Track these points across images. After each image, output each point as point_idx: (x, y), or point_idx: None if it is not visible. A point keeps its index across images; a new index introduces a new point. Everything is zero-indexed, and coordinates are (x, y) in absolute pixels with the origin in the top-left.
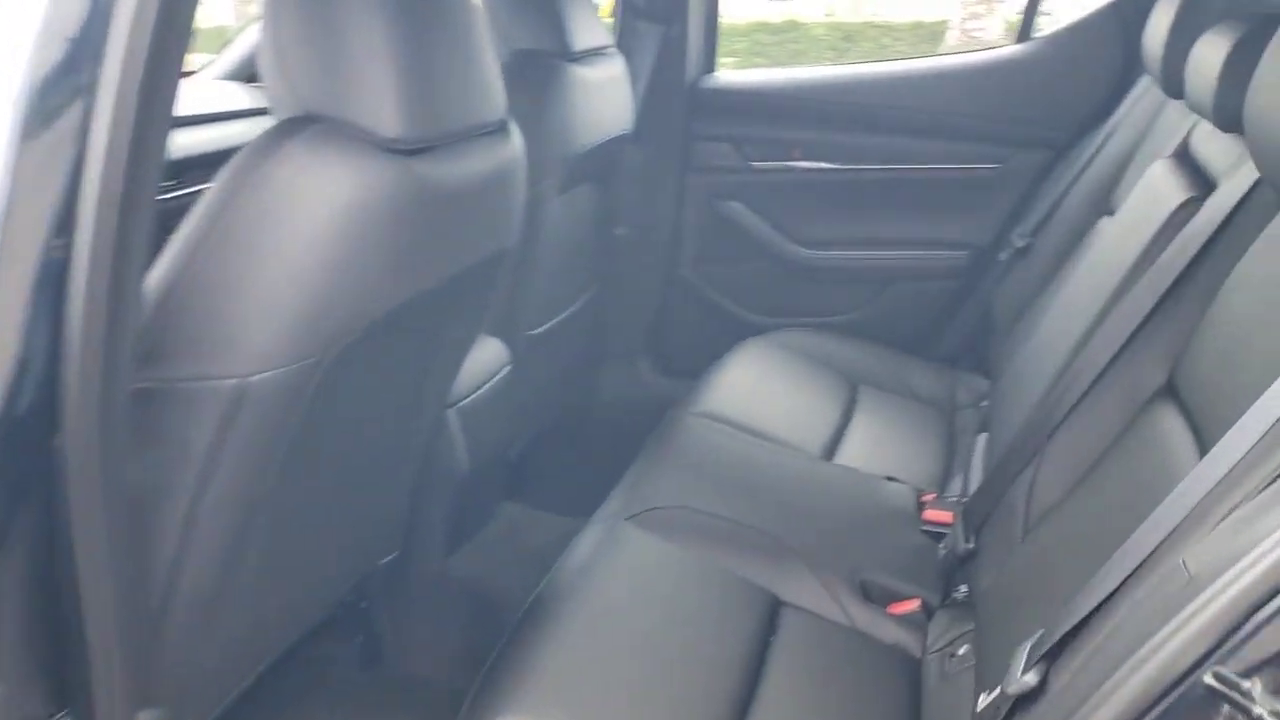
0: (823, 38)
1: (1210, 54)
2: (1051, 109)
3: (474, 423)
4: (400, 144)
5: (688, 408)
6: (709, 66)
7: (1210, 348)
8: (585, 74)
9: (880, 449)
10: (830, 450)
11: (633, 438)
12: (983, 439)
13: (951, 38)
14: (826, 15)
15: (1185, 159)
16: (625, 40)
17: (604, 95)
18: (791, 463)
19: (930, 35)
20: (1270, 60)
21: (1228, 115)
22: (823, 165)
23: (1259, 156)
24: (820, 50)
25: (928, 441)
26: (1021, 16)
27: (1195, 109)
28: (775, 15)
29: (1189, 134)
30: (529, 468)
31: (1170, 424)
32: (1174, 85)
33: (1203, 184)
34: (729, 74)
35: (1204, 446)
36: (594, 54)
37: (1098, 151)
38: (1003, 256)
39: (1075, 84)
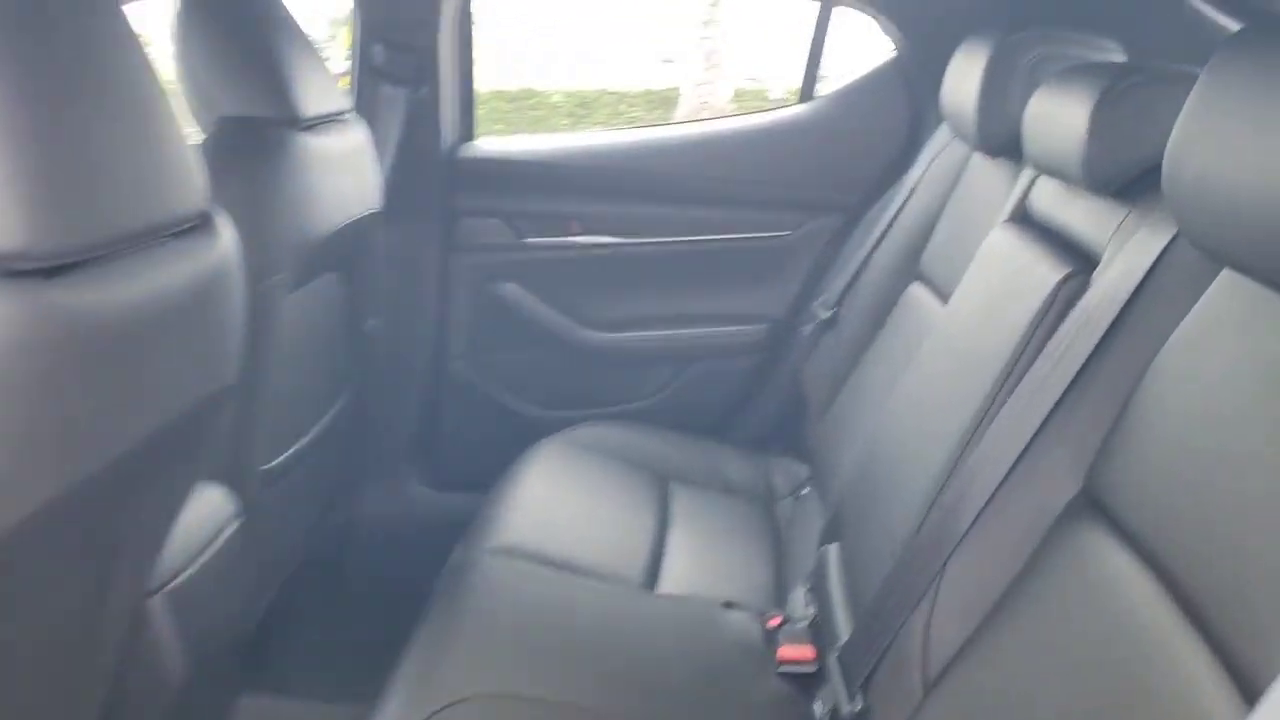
0: (560, 105)
1: (1066, 112)
2: (840, 171)
3: (191, 607)
4: (27, 261)
5: (479, 544)
6: (467, 134)
7: (1139, 445)
8: (319, 144)
9: (706, 563)
10: (653, 573)
11: (405, 575)
12: (833, 552)
13: (685, 104)
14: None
15: (1032, 224)
16: (366, 106)
17: (345, 168)
18: (614, 604)
19: (663, 101)
20: (1197, 115)
21: (1102, 176)
22: (604, 240)
23: (1189, 222)
24: (559, 117)
25: (753, 543)
26: (748, 83)
27: (1046, 169)
28: (511, 83)
29: (1026, 196)
30: (274, 643)
31: (1097, 541)
32: (996, 143)
33: (1074, 254)
34: (492, 141)
35: (1156, 562)
36: (329, 120)
37: (898, 214)
38: (806, 329)
39: (863, 143)
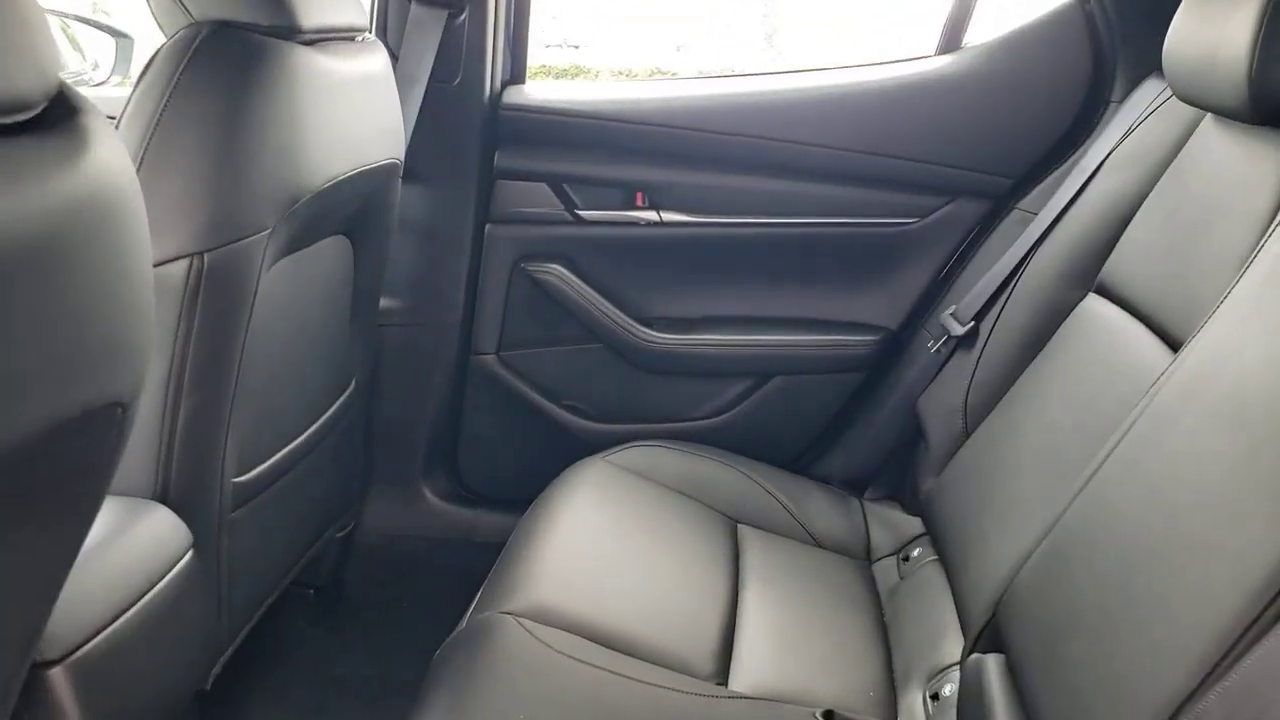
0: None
1: None
2: (992, 142)
3: (110, 676)
4: None
5: (498, 603)
6: (517, 74)
7: None
8: (325, 65)
9: (792, 645)
10: (725, 657)
11: (415, 606)
12: (993, 666)
13: None
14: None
15: None
16: (392, 31)
17: (358, 101)
18: (678, 708)
19: None
20: None
21: None
22: (675, 218)
23: None
24: None
25: (850, 619)
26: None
27: None
28: (558, 60)
29: None
30: (248, 687)
31: None
32: (1272, 106)
33: None
34: (543, 86)
35: None
36: (339, 37)
37: (1073, 200)
38: (931, 347)
39: (1027, 108)
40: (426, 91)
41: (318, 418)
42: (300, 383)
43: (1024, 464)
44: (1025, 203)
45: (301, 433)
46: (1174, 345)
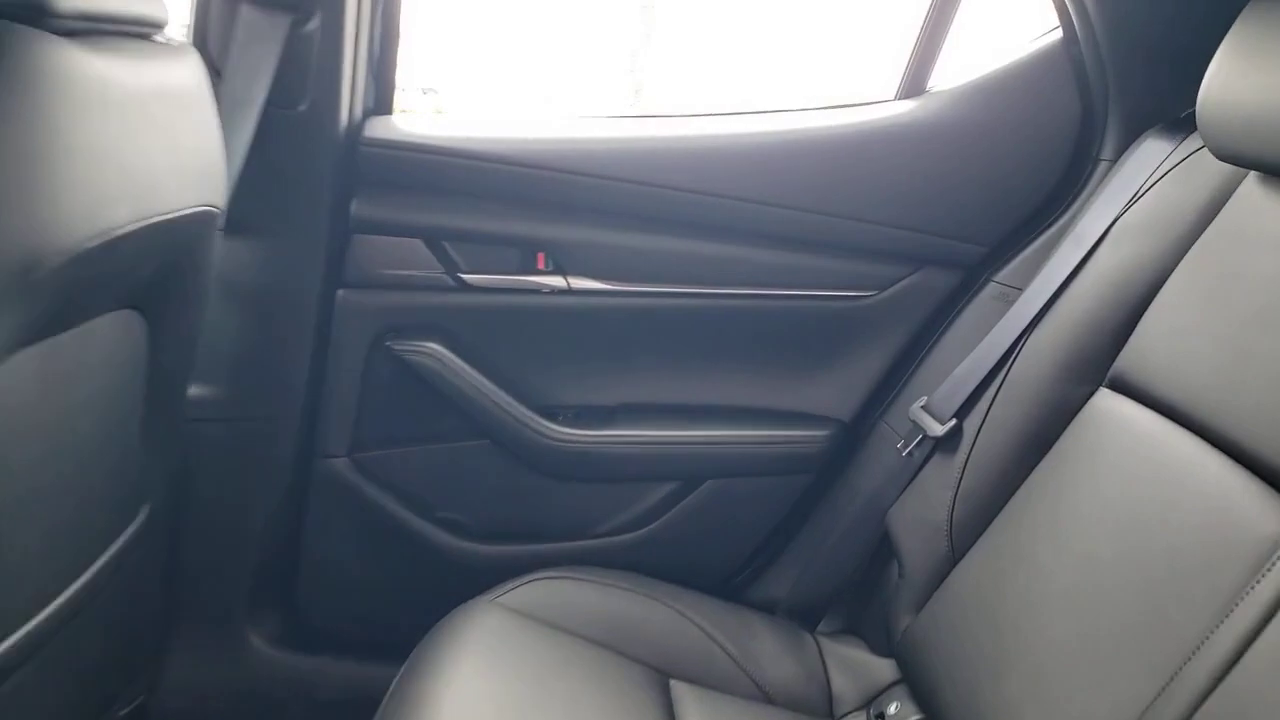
0: None
1: None
2: (962, 205)
3: None
4: None
5: None
6: (382, 103)
7: None
8: (98, 69)
9: None
10: None
11: None
12: None
13: None
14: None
15: None
16: (212, 39)
17: (153, 124)
18: None
19: None
20: None
21: None
22: (588, 284)
23: None
24: None
25: None
26: None
27: None
28: (419, 106)
29: None
30: None
31: None
32: None
33: None
34: (420, 119)
35: None
36: (124, 30)
37: (1070, 279)
38: (902, 448)
39: (1002, 166)
40: (261, 119)
41: (87, 567)
42: (56, 524)
43: (1054, 606)
44: (1002, 275)
45: (59, 593)
46: (1253, 464)
